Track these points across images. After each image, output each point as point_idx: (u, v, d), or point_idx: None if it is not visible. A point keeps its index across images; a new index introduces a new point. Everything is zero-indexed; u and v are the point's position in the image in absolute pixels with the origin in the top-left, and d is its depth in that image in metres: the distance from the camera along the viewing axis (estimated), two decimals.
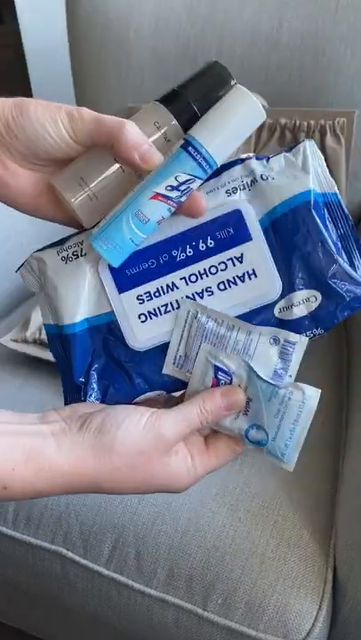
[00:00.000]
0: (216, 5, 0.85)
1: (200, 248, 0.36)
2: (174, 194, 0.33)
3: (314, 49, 0.82)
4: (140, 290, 0.36)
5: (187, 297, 0.36)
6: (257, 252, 0.35)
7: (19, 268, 0.38)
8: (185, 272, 0.36)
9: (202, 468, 0.35)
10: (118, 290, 0.36)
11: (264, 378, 0.35)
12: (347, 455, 0.58)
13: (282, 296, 0.35)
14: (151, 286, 0.36)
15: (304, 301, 0.35)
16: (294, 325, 0.36)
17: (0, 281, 0.87)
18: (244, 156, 0.36)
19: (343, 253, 0.36)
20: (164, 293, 0.36)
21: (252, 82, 0.85)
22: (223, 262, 0.36)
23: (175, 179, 0.32)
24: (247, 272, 0.35)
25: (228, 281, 0.36)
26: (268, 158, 0.36)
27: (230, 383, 0.36)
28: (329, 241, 0.35)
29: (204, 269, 0.36)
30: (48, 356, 0.71)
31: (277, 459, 0.35)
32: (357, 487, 0.50)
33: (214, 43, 0.86)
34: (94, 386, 0.37)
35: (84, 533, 0.57)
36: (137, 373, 0.37)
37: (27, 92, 1.56)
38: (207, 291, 0.36)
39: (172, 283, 0.36)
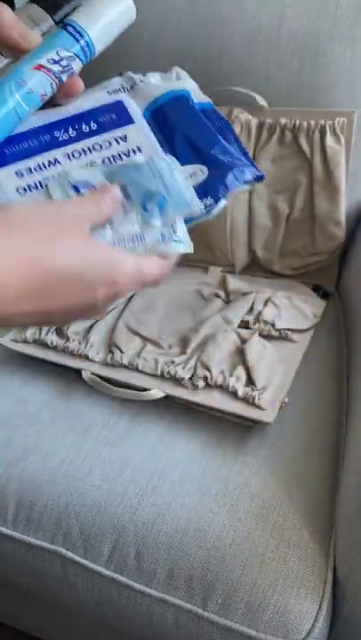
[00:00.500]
0: (216, 5, 0.85)
1: (83, 130, 0.37)
2: (56, 67, 0.34)
3: (314, 49, 0.82)
4: (20, 165, 0.36)
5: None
6: (140, 132, 0.37)
7: None
8: (68, 149, 0.37)
9: (135, 263, 0.33)
10: None
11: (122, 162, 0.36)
12: (346, 455, 0.58)
13: None
14: (32, 162, 0.36)
15: (191, 176, 0.37)
16: None
17: None
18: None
19: (223, 139, 0.39)
20: (45, 168, 0.36)
21: (252, 81, 0.85)
22: (107, 141, 0.37)
23: (57, 53, 0.34)
24: (132, 149, 0.37)
25: (112, 156, 0.37)
26: (145, 74, 0.40)
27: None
28: (209, 125, 0.38)
29: (88, 147, 0.37)
30: (48, 355, 0.71)
31: (189, 209, 0.36)
32: (357, 487, 0.50)
33: (214, 42, 0.86)
34: None
35: (84, 533, 0.57)
36: None
37: None
38: (92, 165, 0.36)
39: (55, 159, 0.36)
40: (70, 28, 0.35)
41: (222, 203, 0.37)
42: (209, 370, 0.64)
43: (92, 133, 0.37)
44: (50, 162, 0.36)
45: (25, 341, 0.73)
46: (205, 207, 0.37)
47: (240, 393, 0.62)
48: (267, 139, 0.82)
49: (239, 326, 0.73)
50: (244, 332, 0.71)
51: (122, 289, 0.33)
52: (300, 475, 0.58)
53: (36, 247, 0.29)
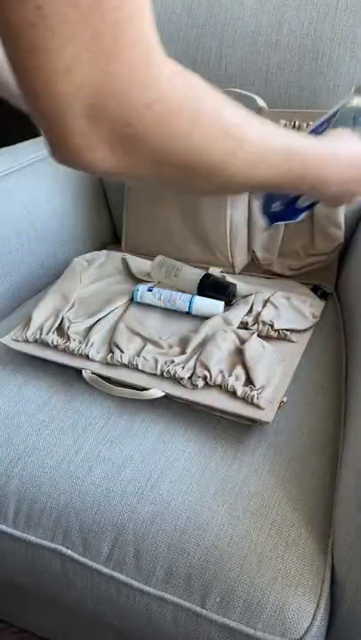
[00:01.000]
0: (216, 7, 0.86)
1: None
2: None
3: (314, 51, 0.82)
4: None
5: None
6: None
7: None
8: None
9: None
10: None
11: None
12: (345, 454, 0.58)
13: None
14: None
15: None
16: None
17: (0, 281, 0.87)
18: None
19: None
20: None
21: (252, 83, 0.86)
22: None
23: None
24: None
25: None
26: None
27: None
28: None
29: None
30: (48, 355, 0.71)
31: None
32: (356, 486, 0.50)
33: (214, 44, 0.86)
34: None
35: (84, 532, 0.57)
36: None
37: None
38: None
39: None
40: None
41: None
42: (208, 369, 0.65)
43: None
44: None
45: (25, 341, 0.73)
46: None
47: (239, 392, 0.62)
48: None
49: (239, 327, 0.74)
50: (243, 332, 0.71)
51: None
52: (298, 474, 0.58)
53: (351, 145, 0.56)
